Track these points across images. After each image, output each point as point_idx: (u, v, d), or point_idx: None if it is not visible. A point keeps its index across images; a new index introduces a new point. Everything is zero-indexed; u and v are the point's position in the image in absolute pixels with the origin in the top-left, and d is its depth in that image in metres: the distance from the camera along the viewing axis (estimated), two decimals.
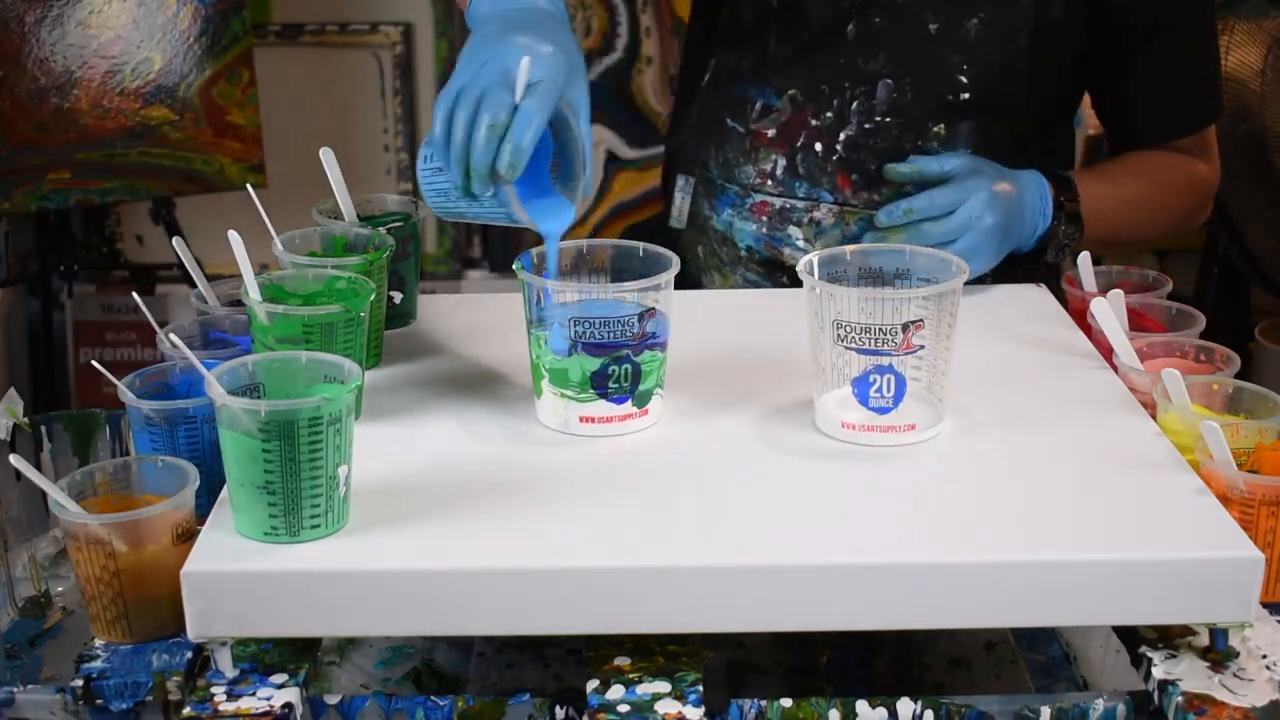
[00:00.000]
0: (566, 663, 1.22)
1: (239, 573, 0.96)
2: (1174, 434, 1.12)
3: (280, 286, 1.18)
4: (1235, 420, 1.12)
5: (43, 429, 1.25)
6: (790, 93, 1.48)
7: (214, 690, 0.97)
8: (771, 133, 1.49)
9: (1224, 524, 1.00)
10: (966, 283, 1.12)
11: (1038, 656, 1.22)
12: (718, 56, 1.55)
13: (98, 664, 0.99)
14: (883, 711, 0.97)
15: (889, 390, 1.10)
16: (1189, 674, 0.98)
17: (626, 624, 0.98)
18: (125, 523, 0.99)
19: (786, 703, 0.97)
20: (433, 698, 0.99)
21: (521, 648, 1.24)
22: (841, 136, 1.47)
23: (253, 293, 1.14)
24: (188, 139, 2.43)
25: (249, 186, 1.31)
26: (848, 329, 1.09)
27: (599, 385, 1.11)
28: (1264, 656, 1.00)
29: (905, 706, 0.97)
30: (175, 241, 1.37)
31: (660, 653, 1.00)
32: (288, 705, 0.96)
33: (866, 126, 1.46)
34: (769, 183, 1.50)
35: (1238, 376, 1.18)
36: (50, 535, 1.22)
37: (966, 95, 1.45)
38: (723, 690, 1.18)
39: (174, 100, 2.40)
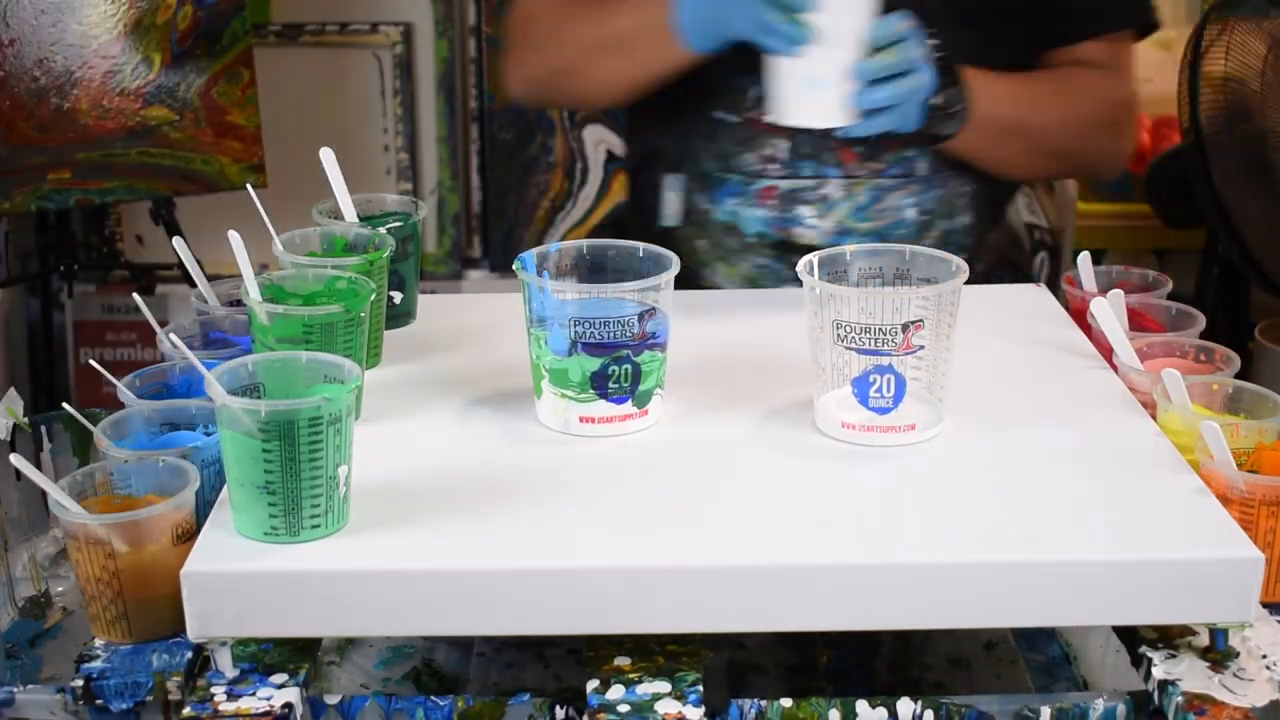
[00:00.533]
0: (566, 663, 1.22)
1: (239, 573, 0.96)
2: (1174, 434, 1.12)
3: (280, 286, 1.18)
4: (1235, 420, 1.12)
5: (43, 429, 1.25)
6: None
7: (214, 690, 0.97)
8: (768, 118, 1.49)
9: (1224, 524, 1.00)
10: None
11: (1038, 656, 1.22)
12: None
13: (98, 664, 0.99)
14: (883, 711, 0.97)
15: (889, 390, 1.10)
16: (1189, 674, 0.98)
17: (626, 624, 0.98)
18: (125, 523, 0.99)
19: (786, 703, 0.97)
20: (433, 698, 1.00)
21: (521, 648, 1.24)
22: None
23: (253, 293, 1.14)
24: (188, 139, 2.42)
25: (249, 186, 1.31)
26: (848, 329, 1.09)
27: (599, 385, 1.11)
28: (1264, 656, 1.00)
29: (905, 706, 0.97)
30: (175, 241, 1.37)
31: (660, 653, 1.00)
32: (288, 705, 0.96)
33: None
34: (773, 166, 1.51)
35: (1238, 376, 1.18)
36: (50, 535, 1.21)
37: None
38: (723, 690, 1.18)
39: (174, 100, 2.40)
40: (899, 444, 1.11)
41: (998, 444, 1.12)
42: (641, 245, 1.17)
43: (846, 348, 1.09)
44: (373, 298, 1.16)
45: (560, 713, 0.99)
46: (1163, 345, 1.26)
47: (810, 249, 1.17)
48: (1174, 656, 1.00)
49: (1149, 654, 1.00)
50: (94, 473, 1.04)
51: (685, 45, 1.43)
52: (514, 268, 1.14)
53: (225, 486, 1.01)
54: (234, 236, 1.16)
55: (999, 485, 1.06)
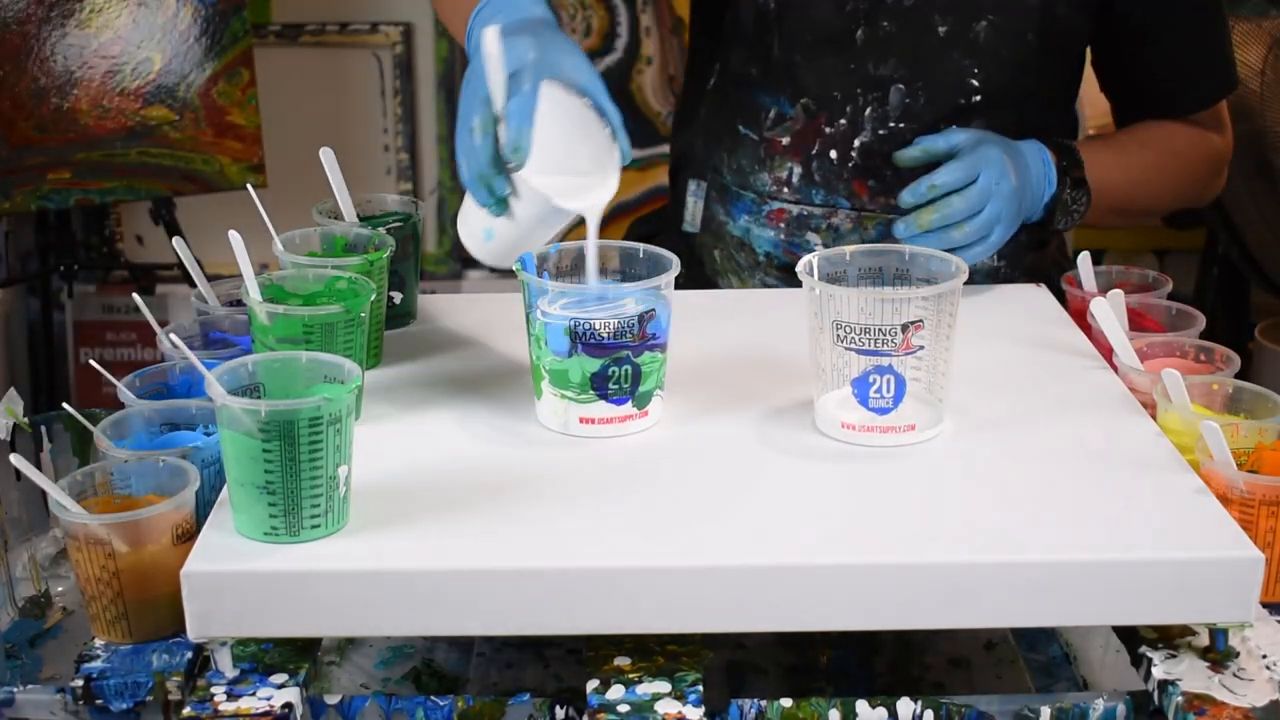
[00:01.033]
0: (566, 663, 1.22)
1: (239, 573, 0.96)
2: (1174, 434, 1.12)
3: (280, 286, 1.18)
4: (1235, 420, 1.12)
5: (43, 429, 1.25)
6: (804, 101, 1.47)
7: (214, 690, 0.97)
8: (786, 140, 1.49)
9: (1224, 524, 1.00)
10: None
11: (1038, 656, 1.22)
12: (724, 60, 1.55)
13: (98, 664, 0.99)
14: (883, 711, 0.97)
15: (889, 391, 1.10)
16: (1189, 674, 0.98)
17: (626, 624, 0.98)
18: (125, 523, 0.99)
19: (786, 703, 0.97)
20: (433, 698, 1.00)
21: (521, 648, 1.24)
22: (856, 143, 1.47)
23: (253, 293, 1.14)
24: (188, 139, 2.42)
25: (249, 186, 1.31)
26: (847, 329, 1.09)
27: (599, 386, 1.11)
28: (1264, 656, 1.00)
29: (905, 706, 0.97)
30: (175, 241, 1.37)
31: (660, 653, 1.00)
32: (288, 705, 0.96)
33: (880, 132, 1.46)
34: (785, 190, 1.50)
35: (1238, 376, 1.18)
36: (50, 535, 1.21)
37: (978, 97, 1.45)
38: (723, 690, 1.18)
39: (174, 100, 2.40)
40: (899, 444, 1.11)
41: (998, 444, 1.12)
42: (642, 246, 1.17)
43: (846, 348, 1.09)
44: (373, 298, 1.16)
45: (560, 713, 0.99)
46: (1163, 345, 1.26)
47: None
48: (1174, 656, 1.00)
49: (1149, 654, 1.00)
50: (94, 473, 1.04)
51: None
52: (514, 268, 1.14)
53: (225, 486, 1.01)
54: (234, 236, 1.16)
55: (999, 485, 1.06)
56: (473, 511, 1.02)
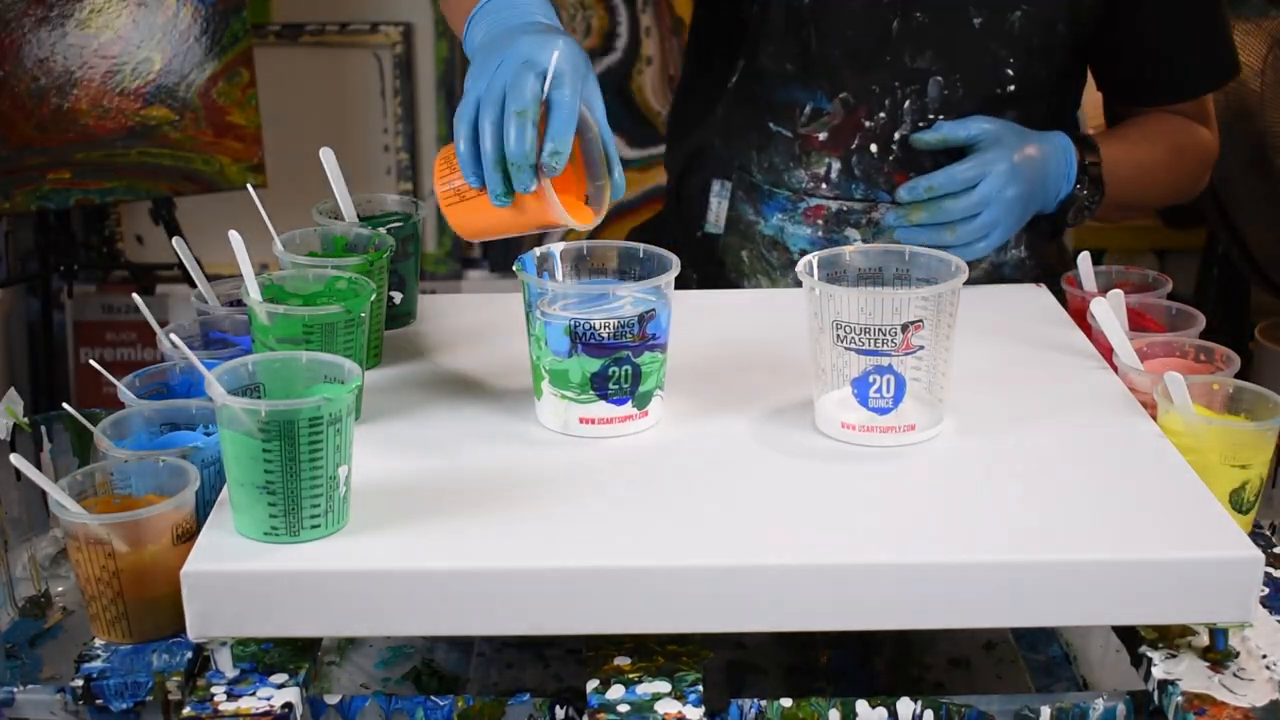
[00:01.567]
0: (566, 663, 1.22)
1: (239, 573, 0.96)
2: (1174, 435, 1.12)
3: (280, 286, 1.18)
4: (1235, 420, 1.12)
5: (43, 429, 1.25)
6: (842, 95, 1.47)
7: (214, 690, 0.97)
8: (823, 136, 1.48)
9: (1224, 524, 1.00)
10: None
11: (1038, 656, 1.22)
12: (749, 57, 1.53)
13: (98, 664, 0.99)
14: (883, 711, 0.97)
15: (889, 390, 1.10)
16: (1189, 674, 0.98)
17: (626, 624, 0.98)
18: (125, 523, 0.99)
19: (786, 703, 0.97)
20: (433, 698, 1.00)
21: (521, 648, 1.24)
22: (896, 136, 1.47)
23: (253, 293, 1.14)
24: (188, 139, 2.43)
25: (249, 186, 1.31)
26: (847, 329, 1.09)
27: (599, 386, 1.11)
28: (1264, 656, 1.00)
29: (905, 706, 0.97)
30: (175, 241, 1.37)
31: (660, 653, 1.00)
32: (288, 705, 0.96)
33: (920, 125, 1.46)
34: (823, 186, 1.49)
35: (1238, 376, 1.18)
36: (50, 535, 1.21)
37: (1012, 87, 1.46)
38: (723, 690, 1.18)
39: (174, 100, 2.40)
40: (899, 444, 1.11)
41: (998, 444, 1.12)
42: (642, 246, 1.17)
43: (846, 348, 1.09)
44: (373, 298, 1.16)
45: (560, 713, 0.99)
46: (1163, 345, 1.26)
47: None
48: (1174, 656, 1.00)
49: (1149, 654, 1.00)
50: (94, 473, 1.04)
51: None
52: (514, 268, 1.14)
53: (225, 486, 1.01)
54: (234, 236, 1.16)
55: (999, 485, 1.06)
56: (473, 511, 1.02)
